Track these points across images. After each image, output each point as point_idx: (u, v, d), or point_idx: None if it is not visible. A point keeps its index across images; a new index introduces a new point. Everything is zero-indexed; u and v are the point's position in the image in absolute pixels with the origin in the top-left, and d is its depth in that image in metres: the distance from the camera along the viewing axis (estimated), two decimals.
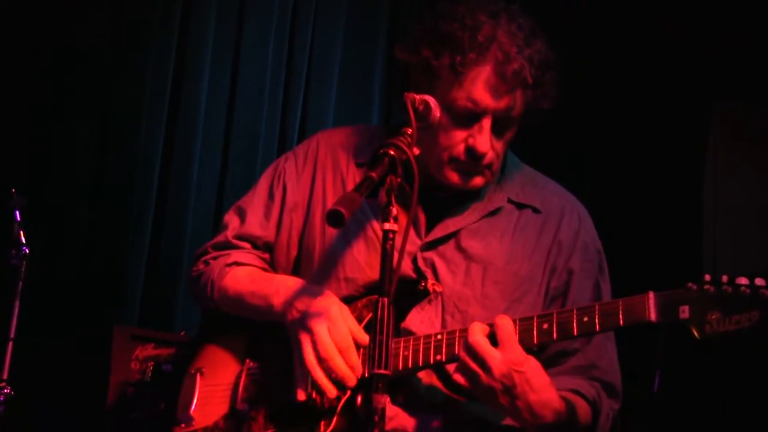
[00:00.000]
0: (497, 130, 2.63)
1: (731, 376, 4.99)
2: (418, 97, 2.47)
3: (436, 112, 2.49)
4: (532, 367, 2.40)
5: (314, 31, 5.52)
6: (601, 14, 5.49)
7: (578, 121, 5.38)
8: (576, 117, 5.26)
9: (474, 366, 2.39)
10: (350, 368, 2.52)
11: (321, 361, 2.51)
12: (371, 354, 2.13)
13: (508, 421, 2.57)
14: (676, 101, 5.51)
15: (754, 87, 5.59)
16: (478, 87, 2.56)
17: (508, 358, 2.37)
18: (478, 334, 2.40)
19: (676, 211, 5.46)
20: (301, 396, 2.56)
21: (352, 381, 2.52)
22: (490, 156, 2.63)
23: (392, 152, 2.27)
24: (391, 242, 2.19)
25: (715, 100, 5.74)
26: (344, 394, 2.54)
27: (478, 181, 2.68)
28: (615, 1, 5.48)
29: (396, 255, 2.18)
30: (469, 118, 2.60)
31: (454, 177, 2.67)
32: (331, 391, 2.51)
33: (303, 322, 2.56)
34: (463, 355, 2.42)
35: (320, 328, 2.53)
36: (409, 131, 2.36)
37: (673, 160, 5.51)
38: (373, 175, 2.24)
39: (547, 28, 2.69)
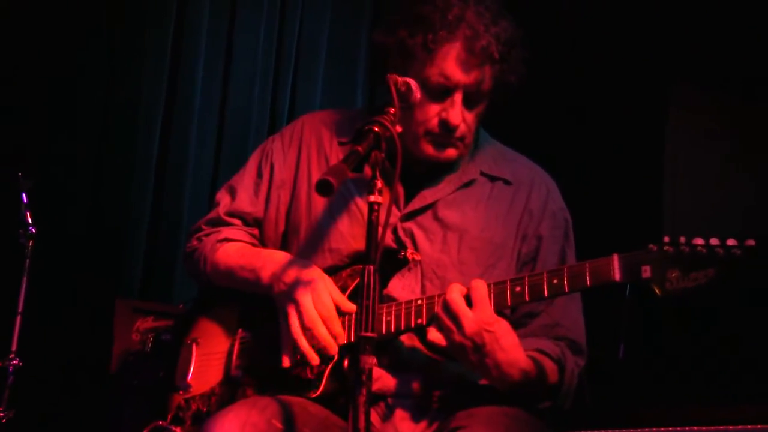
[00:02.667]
0: (468, 104, 2.64)
1: (696, 342, 5.02)
2: (400, 79, 2.49)
3: (417, 93, 2.51)
4: (502, 327, 2.41)
5: (302, 21, 5.52)
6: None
7: (546, 103, 5.40)
8: (543, 98, 5.29)
9: (448, 322, 2.40)
10: (333, 336, 2.54)
11: (305, 330, 2.52)
12: (358, 318, 2.14)
13: (484, 381, 2.57)
14: (636, 82, 5.53)
15: (710, 71, 5.62)
16: (449, 62, 2.58)
17: (479, 318, 2.38)
18: (455, 293, 2.41)
19: (639, 184, 5.50)
20: (286, 362, 2.58)
21: (333, 349, 2.53)
22: (462, 129, 2.65)
23: (377, 129, 2.29)
24: (376, 214, 2.20)
25: (672, 82, 5.77)
26: (326, 362, 2.56)
27: (451, 152, 2.69)
28: None
29: (380, 227, 2.19)
30: (441, 93, 2.62)
31: (429, 149, 2.67)
32: (314, 358, 2.53)
33: (289, 294, 2.57)
34: (440, 311, 2.43)
35: (305, 298, 2.53)
36: (392, 111, 2.37)
37: (635, 139, 5.54)
38: (359, 149, 2.25)
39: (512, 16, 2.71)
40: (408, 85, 2.49)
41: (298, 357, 2.57)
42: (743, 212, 5.44)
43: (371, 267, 2.15)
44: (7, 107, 4.53)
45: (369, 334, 2.11)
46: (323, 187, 2.14)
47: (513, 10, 2.71)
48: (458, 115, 2.62)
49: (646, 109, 5.61)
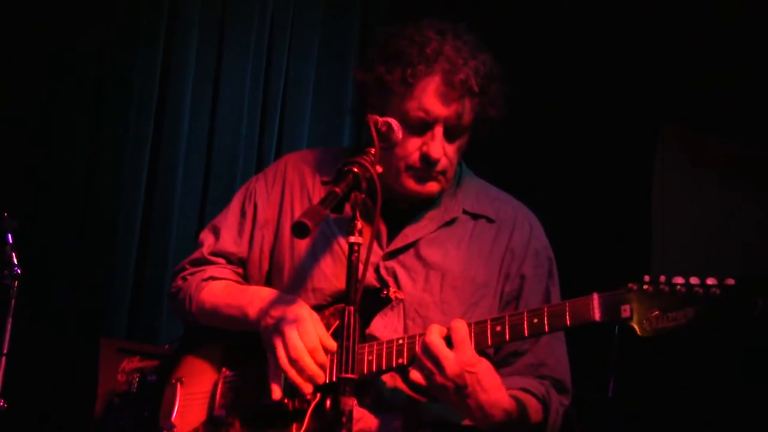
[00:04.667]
0: (449, 137, 2.63)
1: (683, 380, 5.02)
2: (380, 119, 2.48)
3: (399, 133, 2.50)
4: (483, 368, 2.39)
5: (289, 60, 5.52)
6: (555, 39, 5.53)
7: (536, 142, 5.42)
8: (533, 138, 5.31)
9: (429, 364, 2.38)
10: (319, 366, 2.52)
11: (292, 361, 2.50)
12: (339, 359, 2.13)
13: (467, 422, 2.55)
14: (627, 123, 5.56)
15: (700, 113, 5.66)
16: (428, 96, 2.58)
17: (461, 359, 2.36)
18: (434, 335, 2.39)
19: (628, 223, 5.51)
20: (276, 394, 2.55)
21: (321, 378, 2.51)
22: (443, 162, 2.64)
23: (356, 170, 2.28)
24: (356, 254, 2.20)
25: (663, 123, 5.81)
26: (315, 395, 2.54)
27: (433, 186, 2.68)
28: (568, 26, 5.52)
29: (361, 267, 2.19)
30: (422, 127, 2.61)
31: (410, 183, 2.66)
32: (307, 386, 2.51)
33: (276, 327, 2.55)
34: (420, 353, 2.41)
35: (291, 331, 2.52)
36: (373, 151, 2.37)
37: (624, 178, 5.56)
38: (337, 190, 2.25)
39: (504, 54, 2.72)
40: (389, 125, 2.47)
41: (296, 402, 2.55)
42: (731, 249, 5.46)
43: (351, 308, 2.15)
44: None
45: (349, 375, 2.11)
46: (298, 230, 2.14)
47: (503, 46, 2.72)
48: (439, 148, 2.61)
49: (635, 149, 5.65)
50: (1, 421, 3.80)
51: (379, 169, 2.34)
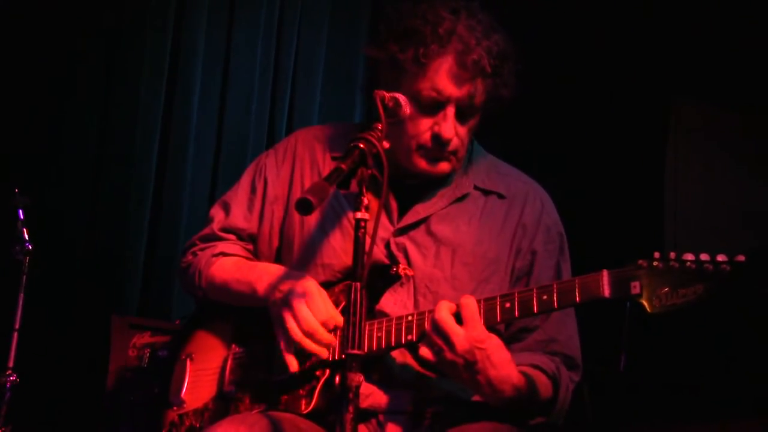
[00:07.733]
0: (461, 118, 2.62)
1: (694, 355, 5.00)
2: (387, 94, 2.45)
3: (406, 108, 2.47)
4: (493, 344, 2.38)
5: (299, 39, 5.49)
6: (565, 16, 5.50)
7: (547, 118, 5.40)
8: (544, 114, 5.28)
9: (438, 341, 2.37)
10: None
11: (307, 333, 2.49)
12: (345, 335, 2.13)
13: (476, 398, 2.55)
14: (640, 99, 5.53)
15: (711, 87, 5.62)
16: (441, 76, 2.56)
17: (470, 336, 2.35)
18: (443, 311, 2.39)
19: (640, 200, 5.50)
20: (293, 366, 2.54)
21: (334, 343, 2.52)
22: (455, 142, 2.63)
23: (362, 145, 2.26)
24: (362, 230, 2.18)
25: (676, 98, 5.77)
26: (324, 372, 2.54)
27: (444, 166, 2.67)
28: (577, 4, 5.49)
29: (368, 240, 2.17)
30: (434, 107, 2.60)
31: (422, 163, 2.66)
32: (324, 352, 2.51)
33: (285, 301, 2.55)
34: (429, 330, 2.40)
35: (300, 305, 2.51)
36: (380, 126, 2.34)
37: (637, 154, 5.54)
38: (343, 166, 2.23)
39: (512, 31, 2.69)
40: (396, 100, 2.45)
41: (307, 365, 2.55)
42: (744, 224, 5.44)
43: (358, 284, 2.14)
44: (4, 124, 4.51)
45: (356, 351, 2.10)
46: (302, 206, 2.12)
47: (512, 26, 2.69)
48: (451, 128, 2.60)
49: (647, 125, 5.63)
50: (14, 395, 3.81)
51: (386, 144, 2.32)
